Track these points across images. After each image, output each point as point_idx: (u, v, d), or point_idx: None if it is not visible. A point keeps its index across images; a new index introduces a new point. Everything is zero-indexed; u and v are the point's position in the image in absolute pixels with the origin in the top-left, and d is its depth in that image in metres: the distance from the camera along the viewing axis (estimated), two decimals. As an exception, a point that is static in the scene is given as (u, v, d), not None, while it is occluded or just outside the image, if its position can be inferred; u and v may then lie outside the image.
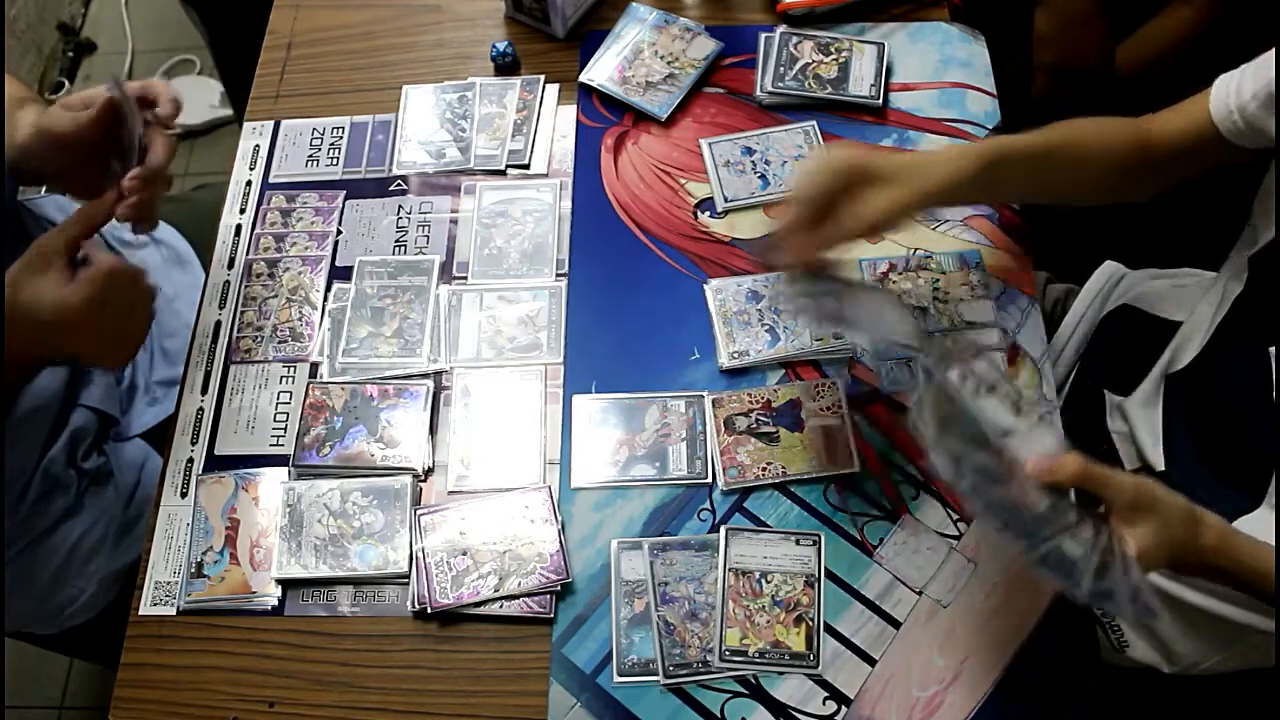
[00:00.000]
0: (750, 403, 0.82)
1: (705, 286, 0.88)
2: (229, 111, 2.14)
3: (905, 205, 0.70)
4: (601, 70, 1.00)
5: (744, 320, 0.86)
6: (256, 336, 0.89)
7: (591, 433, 0.82)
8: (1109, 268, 0.99)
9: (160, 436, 0.89)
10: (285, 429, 0.84)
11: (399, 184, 0.96)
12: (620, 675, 0.73)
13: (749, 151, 0.95)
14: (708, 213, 0.93)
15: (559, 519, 0.78)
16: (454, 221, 0.94)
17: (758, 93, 0.98)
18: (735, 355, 0.84)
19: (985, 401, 0.62)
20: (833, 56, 0.98)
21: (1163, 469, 0.81)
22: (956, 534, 0.77)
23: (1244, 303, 0.76)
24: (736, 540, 0.77)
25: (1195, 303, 0.83)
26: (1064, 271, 1.08)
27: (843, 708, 0.72)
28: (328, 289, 0.91)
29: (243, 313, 0.90)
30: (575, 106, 1.00)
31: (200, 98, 2.17)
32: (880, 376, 0.83)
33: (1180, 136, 0.77)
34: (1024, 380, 0.83)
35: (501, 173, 0.96)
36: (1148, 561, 0.60)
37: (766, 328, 0.85)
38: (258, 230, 0.95)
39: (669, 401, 0.83)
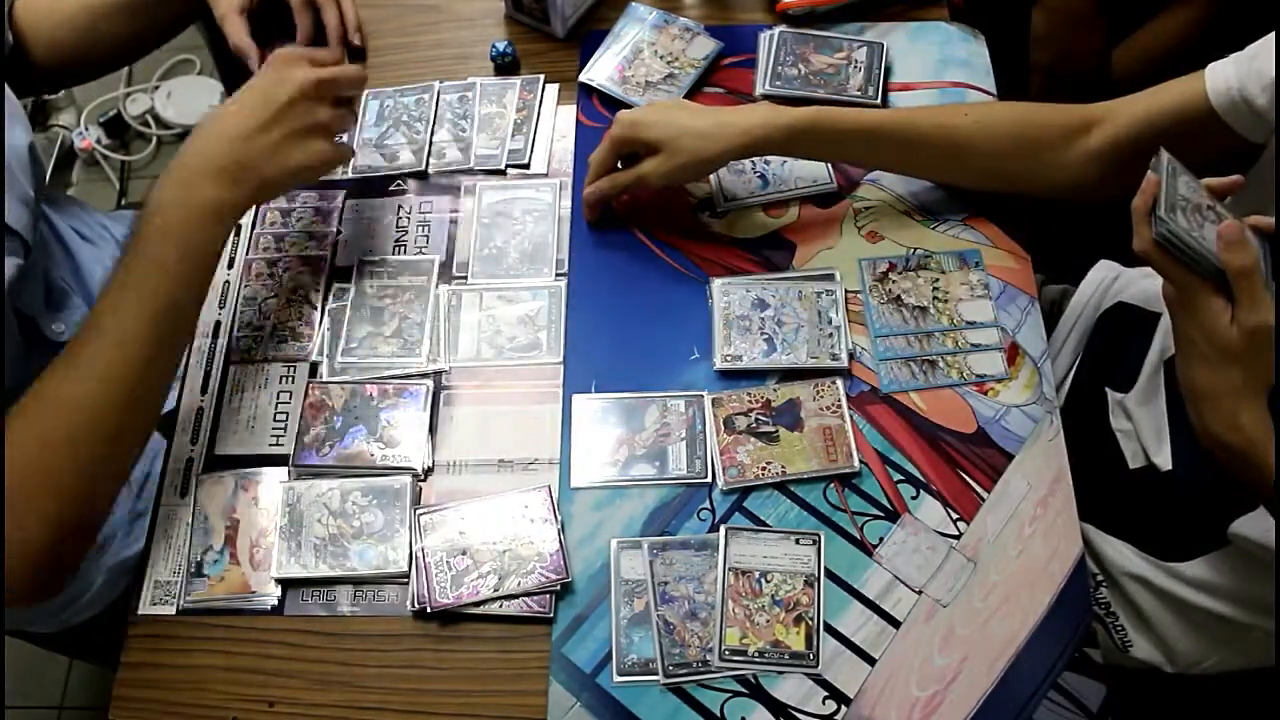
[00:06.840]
0: (750, 402, 0.82)
1: (711, 285, 0.87)
2: (229, 112, 2.14)
3: (667, 173, 0.85)
4: (601, 70, 1.00)
5: (744, 326, 0.85)
6: (256, 336, 0.89)
7: (591, 432, 0.82)
8: (1104, 267, 0.99)
9: (169, 429, 0.89)
10: (285, 429, 0.84)
11: (399, 184, 0.96)
12: (620, 675, 0.73)
13: (749, 151, 0.95)
14: (707, 212, 0.93)
15: (558, 519, 0.78)
16: (454, 221, 0.94)
17: (757, 93, 0.98)
18: (729, 359, 0.84)
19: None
20: (833, 56, 0.98)
21: (1169, 468, 0.80)
22: (956, 534, 0.77)
23: None
24: (736, 540, 0.77)
25: None
26: (1059, 272, 1.08)
27: (843, 707, 0.72)
28: (328, 289, 0.91)
29: (242, 313, 0.90)
30: (575, 106, 1.00)
31: (200, 98, 2.17)
32: (880, 377, 0.83)
33: (1159, 117, 0.78)
34: (1024, 380, 0.83)
35: (501, 172, 0.96)
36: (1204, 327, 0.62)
37: (765, 337, 0.85)
38: (258, 230, 0.95)
39: (669, 401, 0.83)
